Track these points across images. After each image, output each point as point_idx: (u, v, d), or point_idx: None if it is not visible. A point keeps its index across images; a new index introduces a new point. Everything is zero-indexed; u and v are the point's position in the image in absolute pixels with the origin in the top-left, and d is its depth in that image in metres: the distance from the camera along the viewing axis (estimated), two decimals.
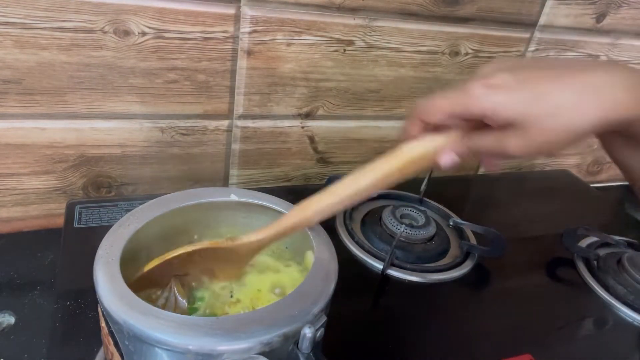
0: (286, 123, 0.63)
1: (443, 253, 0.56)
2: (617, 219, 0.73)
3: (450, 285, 0.52)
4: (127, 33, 0.50)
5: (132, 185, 0.60)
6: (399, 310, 0.48)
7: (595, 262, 0.57)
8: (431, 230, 0.56)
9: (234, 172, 0.65)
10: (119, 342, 0.29)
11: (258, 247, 0.35)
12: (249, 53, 0.56)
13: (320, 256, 0.34)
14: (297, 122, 0.64)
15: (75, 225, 0.51)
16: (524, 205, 0.71)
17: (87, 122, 0.54)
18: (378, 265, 0.52)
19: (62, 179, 0.56)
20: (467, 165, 0.79)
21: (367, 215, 0.60)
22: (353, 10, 0.58)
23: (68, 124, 0.53)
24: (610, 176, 0.93)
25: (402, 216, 0.58)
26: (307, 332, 0.28)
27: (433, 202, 0.64)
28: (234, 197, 0.39)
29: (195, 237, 0.40)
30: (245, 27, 0.54)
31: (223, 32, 0.54)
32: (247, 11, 0.53)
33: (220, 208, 0.39)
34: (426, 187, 0.61)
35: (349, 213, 0.59)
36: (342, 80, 0.63)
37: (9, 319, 0.44)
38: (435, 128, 0.32)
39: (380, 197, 0.63)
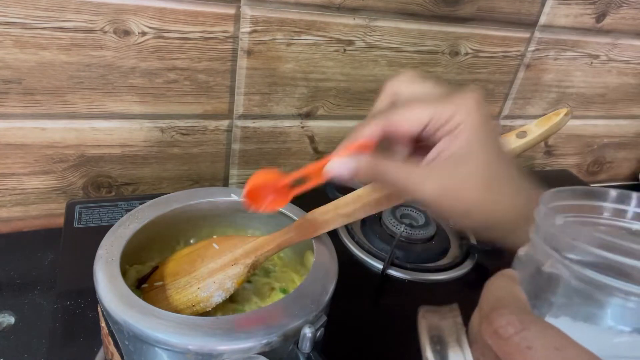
0: (286, 123, 0.63)
1: (443, 253, 0.56)
2: None
3: (451, 285, 0.52)
4: (127, 33, 0.50)
5: (132, 185, 0.60)
6: (399, 310, 0.48)
7: None
8: (431, 230, 0.56)
9: (234, 172, 0.65)
10: (119, 342, 0.29)
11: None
12: (249, 53, 0.56)
13: (320, 256, 0.34)
14: (297, 122, 0.64)
15: (75, 225, 0.51)
16: None
17: (87, 122, 0.54)
18: (378, 265, 0.52)
19: (62, 179, 0.56)
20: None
21: None
22: (353, 10, 0.58)
23: (68, 124, 0.53)
24: (610, 176, 0.93)
25: (402, 216, 0.58)
26: (307, 332, 0.28)
27: None
28: (234, 197, 0.39)
29: (192, 240, 0.40)
30: (245, 27, 0.54)
31: (223, 32, 0.54)
32: (247, 11, 0.53)
33: (220, 208, 0.39)
34: None
35: None
36: (342, 80, 0.62)
37: (9, 319, 0.44)
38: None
39: None
